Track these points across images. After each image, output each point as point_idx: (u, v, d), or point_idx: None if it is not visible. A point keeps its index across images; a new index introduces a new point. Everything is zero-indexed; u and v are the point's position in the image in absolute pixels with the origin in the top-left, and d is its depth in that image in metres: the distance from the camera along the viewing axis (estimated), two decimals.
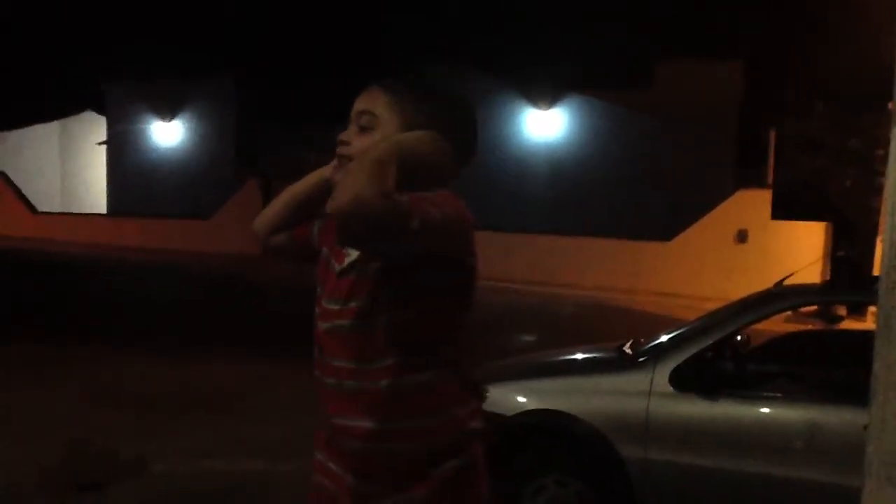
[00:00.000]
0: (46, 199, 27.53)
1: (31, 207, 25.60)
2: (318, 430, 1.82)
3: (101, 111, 28.30)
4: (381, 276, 1.67)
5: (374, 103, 1.76)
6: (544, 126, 20.07)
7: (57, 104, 29.56)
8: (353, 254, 1.73)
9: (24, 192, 25.85)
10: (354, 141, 1.77)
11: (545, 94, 20.05)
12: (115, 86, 26.74)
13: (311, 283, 1.86)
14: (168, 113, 25.75)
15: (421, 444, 1.68)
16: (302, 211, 1.98)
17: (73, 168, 29.82)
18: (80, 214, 26.20)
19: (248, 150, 23.95)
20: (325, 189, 1.87)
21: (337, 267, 1.78)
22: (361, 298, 1.68)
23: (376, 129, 1.75)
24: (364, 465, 1.70)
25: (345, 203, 1.49)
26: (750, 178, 17.05)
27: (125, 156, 26.45)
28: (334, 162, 1.83)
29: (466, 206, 1.73)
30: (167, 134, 25.87)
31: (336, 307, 1.73)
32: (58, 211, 27.05)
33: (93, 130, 28.88)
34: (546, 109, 20.08)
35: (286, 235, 1.99)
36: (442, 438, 1.70)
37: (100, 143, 27.81)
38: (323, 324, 1.77)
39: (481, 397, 1.86)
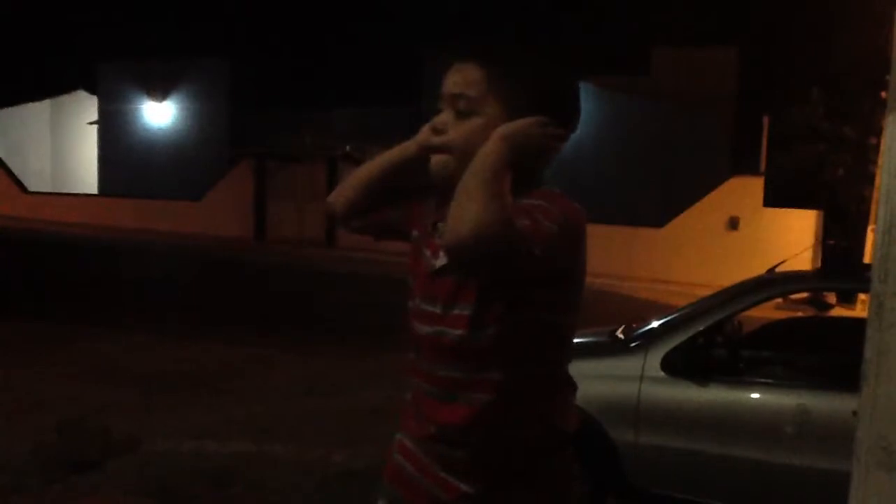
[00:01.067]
0: (37, 178, 27.40)
1: (22, 186, 25.47)
2: (408, 414, 1.71)
3: (92, 90, 28.12)
4: (492, 286, 1.51)
5: (470, 84, 1.55)
6: None
7: (48, 83, 29.36)
8: None
9: (14, 171, 25.71)
10: (452, 128, 1.57)
11: None
12: (107, 65, 26.56)
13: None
14: (160, 93, 25.62)
15: (521, 448, 1.60)
16: (383, 191, 1.77)
17: (63, 147, 29.66)
18: (71, 194, 26.08)
19: (241, 131, 23.86)
20: (404, 168, 1.72)
21: (433, 263, 1.60)
22: (468, 306, 1.53)
23: (478, 113, 1.54)
24: (459, 464, 1.60)
25: (466, 236, 1.33)
26: (745, 164, 17.08)
27: (116, 136, 26.31)
28: (421, 139, 1.64)
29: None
30: (159, 114, 25.74)
31: (436, 311, 1.58)
32: (48, 190, 26.93)
33: (84, 110, 28.70)
34: None
35: (363, 219, 1.80)
36: (541, 441, 1.61)
37: (91, 123, 27.65)
38: (424, 327, 1.61)
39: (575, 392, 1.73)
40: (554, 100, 1.58)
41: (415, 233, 1.71)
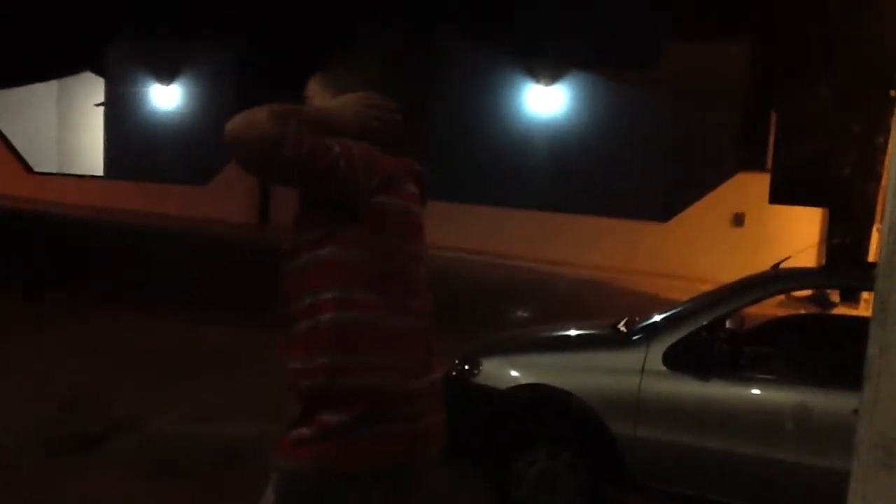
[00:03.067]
0: (43, 159, 27.41)
1: (28, 167, 25.49)
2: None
3: (100, 72, 28.09)
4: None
5: (308, 90, 2.03)
6: (546, 102, 19.98)
7: (55, 63, 29.29)
8: None
9: (20, 151, 25.72)
10: None
11: (548, 70, 19.95)
12: (116, 47, 26.53)
13: None
14: (168, 76, 25.58)
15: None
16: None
17: (70, 129, 29.65)
18: (77, 176, 26.10)
19: None
20: None
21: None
22: None
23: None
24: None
25: (246, 122, 1.76)
26: (751, 160, 17.02)
27: (123, 118, 26.29)
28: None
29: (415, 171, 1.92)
30: (166, 97, 25.71)
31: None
32: (54, 171, 26.95)
33: (91, 91, 28.68)
34: (548, 86, 19.98)
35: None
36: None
37: (98, 105, 27.63)
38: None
39: None
40: (380, 83, 1.96)
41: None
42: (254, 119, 1.71)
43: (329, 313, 1.74)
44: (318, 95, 1.98)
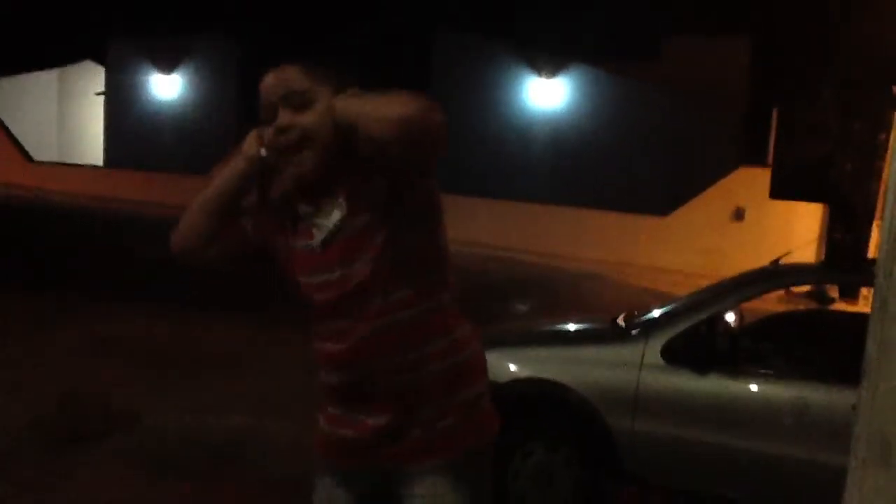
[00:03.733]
0: (43, 148, 27.38)
1: (28, 156, 25.47)
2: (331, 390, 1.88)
3: (100, 61, 28.03)
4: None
5: (296, 83, 1.72)
6: (547, 95, 19.95)
7: (56, 52, 29.23)
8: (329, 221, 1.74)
9: (20, 140, 25.69)
10: (298, 120, 1.70)
11: (549, 63, 19.91)
12: (116, 36, 26.47)
13: None
14: (168, 66, 25.53)
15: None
16: (229, 213, 1.87)
17: (70, 118, 29.62)
18: (77, 165, 26.08)
19: (248, 106, 23.79)
20: (247, 183, 1.83)
21: (312, 242, 1.78)
22: (366, 257, 1.75)
23: (316, 101, 1.71)
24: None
25: (420, 105, 1.56)
26: (752, 155, 17.00)
27: (123, 107, 26.26)
28: (273, 142, 1.74)
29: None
30: (167, 87, 25.67)
31: (333, 276, 1.77)
32: (54, 160, 26.92)
33: (92, 80, 28.63)
34: (549, 78, 19.95)
35: (221, 245, 1.87)
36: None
37: (98, 94, 27.60)
38: (324, 294, 1.79)
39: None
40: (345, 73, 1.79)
41: (280, 240, 1.84)
42: (423, 102, 1.59)
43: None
44: (320, 92, 1.73)
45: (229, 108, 24.38)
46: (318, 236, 1.76)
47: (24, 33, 29.96)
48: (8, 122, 25.91)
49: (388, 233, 1.71)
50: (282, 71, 1.74)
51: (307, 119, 1.69)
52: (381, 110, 1.58)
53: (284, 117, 1.71)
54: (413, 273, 1.75)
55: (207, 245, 1.84)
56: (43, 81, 28.96)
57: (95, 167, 25.87)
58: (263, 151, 1.76)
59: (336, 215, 1.73)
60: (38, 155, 25.98)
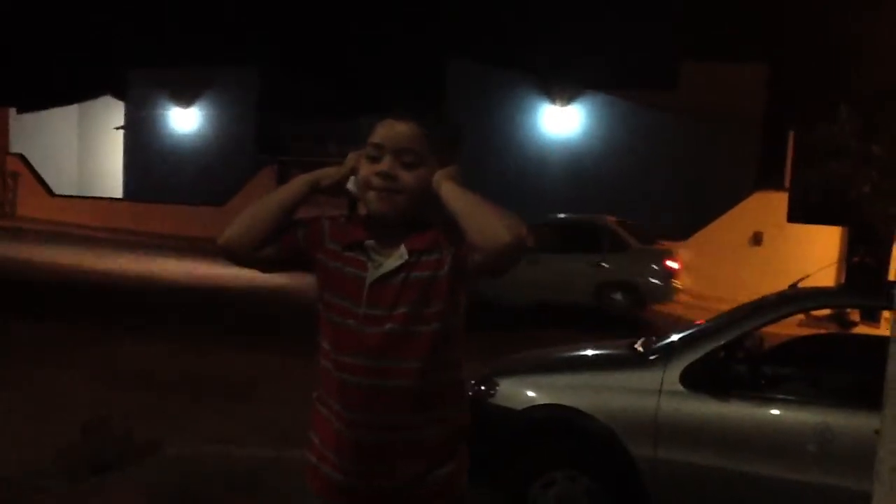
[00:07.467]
0: (64, 182, 27.74)
1: (49, 190, 25.79)
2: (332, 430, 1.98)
3: (119, 96, 28.45)
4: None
5: (413, 141, 1.81)
6: (562, 123, 20.02)
7: (76, 88, 29.74)
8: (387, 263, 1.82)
9: (41, 174, 26.04)
10: (402, 176, 1.82)
11: (563, 91, 20.00)
12: (135, 71, 26.88)
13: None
14: (186, 100, 25.88)
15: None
16: (286, 220, 1.97)
17: (90, 152, 30.01)
18: (97, 198, 26.37)
19: (266, 139, 24.02)
20: (301, 200, 1.97)
21: (367, 275, 1.85)
22: (408, 305, 1.81)
23: (423, 166, 1.82)
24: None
25: (509, 239, 1.68)
26: (770, 180, 16.95)
27: (142, 141, 26.59)
28: (368, 176, 1.86)
29: None
30: (185, 120, 25.99)
31: (381, 313, 1.82)
32: (74, 194, 27.25)
33: (111, 115, 29.04)
34: (563, 106, 20.03)
35: (275, 247, 1.95)
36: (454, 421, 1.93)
37: (117, 128, 27.97)
38: (372, 328, 1.84)
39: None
40: (457, 153, 1.90)
41: (320, 256, 1.93)
42: (521, 227, 1.73)
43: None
44: (429, 160, 1.84)
45: (247, 142, 24.63)
46: (373, 272, 1.84)
47: (44, 69, 30.49)
48: (30, 157, 26.29)
49: (442, 306, 1.80)
50: (402, 124, 1.83)
51: (410, 177, 1.81)
52: (490, 228, 1.71)
53: (392, 167, 1.82)
54: (448, 345, 1.85)
55: (261, 246, 1.93)
56: (64, 117, 29.42)
57: (115, 200, 26.15)
58: (352, 185, 1.91)
59: (397, 260, 1.82)
60: (58, 189, 26.31)
